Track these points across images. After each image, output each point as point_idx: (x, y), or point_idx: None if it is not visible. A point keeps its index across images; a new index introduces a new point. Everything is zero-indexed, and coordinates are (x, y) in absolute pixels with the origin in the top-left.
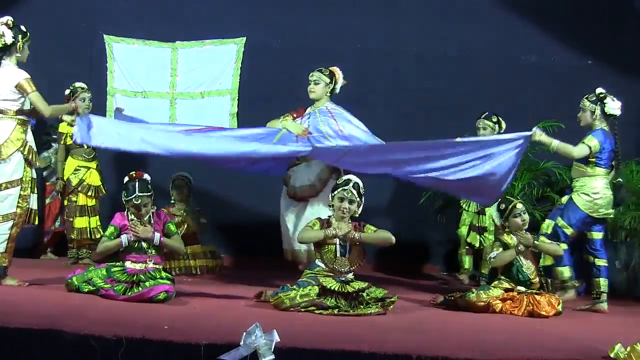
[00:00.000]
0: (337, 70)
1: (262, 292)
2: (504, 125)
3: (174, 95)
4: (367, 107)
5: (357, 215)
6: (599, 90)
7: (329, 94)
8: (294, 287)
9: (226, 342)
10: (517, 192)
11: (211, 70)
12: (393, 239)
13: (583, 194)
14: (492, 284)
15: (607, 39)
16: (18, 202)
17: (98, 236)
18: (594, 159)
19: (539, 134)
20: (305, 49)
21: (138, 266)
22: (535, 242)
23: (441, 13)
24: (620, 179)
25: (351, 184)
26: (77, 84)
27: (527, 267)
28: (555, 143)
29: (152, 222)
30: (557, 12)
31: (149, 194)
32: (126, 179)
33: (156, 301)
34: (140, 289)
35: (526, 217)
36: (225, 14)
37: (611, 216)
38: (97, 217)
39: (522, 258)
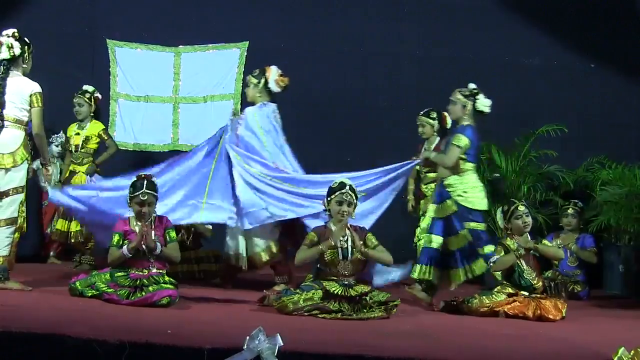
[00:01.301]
0: (269, 69)
1: (266, 296)
2: (449, 121)
3: (176, 99)
4: (369, 108)
5: (353, 217)
6: (472, 85)
7: (259, 95)
8: (297, 291)
9: (229, 347)
10: (520, 196)
11: (214, 74)
12: (392, 261)
13: (464, 193)
14: (495, 289)
15: (610, 43)
16: (20, 208)
17: (79, 240)
18: (464, 156)
19: (427, 152)
20: (308, 53)
21: (141, 271)
22: (536, 244)
23: (444, 16)
24: (497, 174)
25: (347, 187)
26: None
27: (528, 272)
28: (432, 155)
29: (154, 225)
30: (560, 16)
31: (155, 193)
32: (134, 178)
33: (159, 306)
34: (143, 293)
35: (528, 219)
36: (228, 19)
37: (485, 209)
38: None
39: (523, 263)
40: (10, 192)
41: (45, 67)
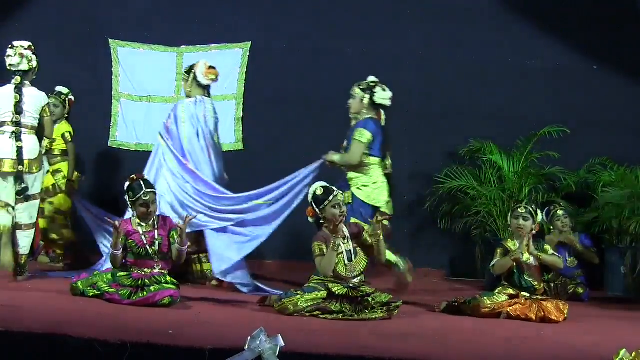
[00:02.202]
0: (197, 63)
1: (267, 297)
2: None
3: (179, 99)
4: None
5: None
6: (371, 78)
7: (190, 89)
8: (299, 292)
9: (231, 347)
10: (522, 197)
11: None
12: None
13: (363, 187)
14: (497, 290)
15: (613, 44)
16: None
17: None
18: (367, 150)
19: (330, 156)
20: (310, 53)
21: (143, 271)
22: (538, 254)
23: (446, 17)
24: (389, 170)
25: (336, 190)
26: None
27: (528, 274)
28: (337, 157)
29: (157, 226)
30: (562, 17)
31: (155, 190)
32: (127, 182)
33: (161, 306)
34: (145, 293)
35: (522, 222)
36: (230, 19)
37: (380, 205)
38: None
39: (524, 267)
40: (32, 198)
41: (48, 67)
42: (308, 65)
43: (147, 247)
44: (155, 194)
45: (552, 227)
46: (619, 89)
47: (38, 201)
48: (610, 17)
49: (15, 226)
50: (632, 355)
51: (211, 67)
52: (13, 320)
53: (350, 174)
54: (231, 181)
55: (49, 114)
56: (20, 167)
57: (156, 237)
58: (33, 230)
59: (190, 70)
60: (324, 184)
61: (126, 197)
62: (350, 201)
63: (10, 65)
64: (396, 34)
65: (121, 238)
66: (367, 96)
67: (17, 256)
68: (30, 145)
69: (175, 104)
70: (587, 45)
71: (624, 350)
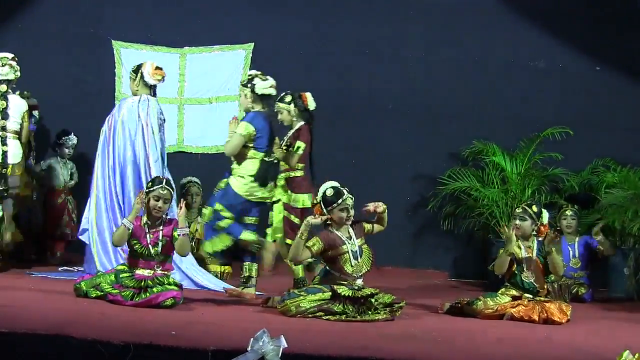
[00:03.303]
0: (145, 64)
1: (269, 298)
2: (310, 102)
3: (182, 100)
4: (375, 110)
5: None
6: (250, 71)
7: (137, 88)
8: (302, 293)
9: (234, 348)
10: (524, 198)
11: (219, 75)
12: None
13: (240, 177)
14: (500, 291)
15: (615, 45)
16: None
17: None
18: (251, 144)
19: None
20: (313, 54)
21: (146, 272)
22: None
23: (450, 19)
24: (275, 158)
25: (346, 193)
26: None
27: (527, 275)
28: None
29: (163, 225)
30: (565, 18)
31: (172, 192)
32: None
33: (164, 307)
34: (148, 294)
35: (518, 222)
36: (233, 20)
37: (268, 200)
38: None
39: (523, 267)
40: (10, 195)
41: (51, 68)
42: (311, 67)
43: (150, 247)
44: (171, 194)
45: (558, 226)
46: (622, 90)
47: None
48: (613, 19)
49: None
50: (636, 356)
51: (158, 68)
52: (16, 321)
53: (234, 164)
54: None
55: (27, 120)
56: (4, 170)
57: (160, 238)
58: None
59: (137, 69)
60: (335, 184)
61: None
62: (222, 186)
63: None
64: (399, 35)
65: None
66: (249, 89)
67: None
68: (14, 150)
69: (120, 102)
70: (591, 46)
71: (627, 351)
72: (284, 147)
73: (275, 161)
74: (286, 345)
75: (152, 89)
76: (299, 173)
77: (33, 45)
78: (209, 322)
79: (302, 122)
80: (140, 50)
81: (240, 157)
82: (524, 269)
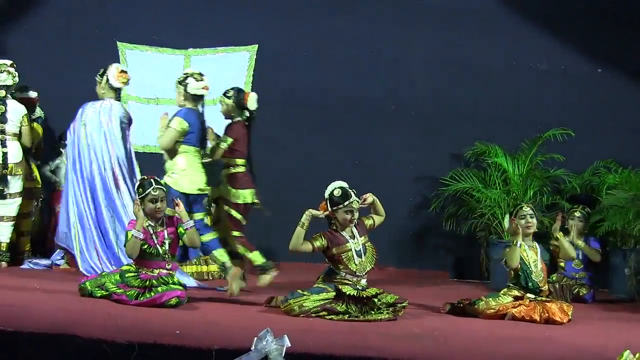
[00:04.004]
0: (110, 67)
1: (273, 297)
2: (250, 100)
3: None
4: (378, 111)
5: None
6: (185, 70)
7: (103, 91)
8: (306, 292)
9: (237, 347)
10: (526, 199)
11: (223, 77)
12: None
13: (172, 174)
14: (502, 292)
15: (617, 47)
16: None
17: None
18: (182, 139)
19: None
20: (316, 56)
21: (151, 272)
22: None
23: (453, 21)
24: (211, 159)
25: (353, 196)
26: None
27: (536, 274)
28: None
29: (165, 225)
30: (567, 21)
31: (164, 189)
32: (137, 183)
33: (168, 306)
34: (152, 294)
35: (533, 220)
36: (237, 22)
37: (207, 193)
38: None
39: (531, 265)
40: (17, 195)
41: (57, 70)
42: (314, 68)
43: (158, 247)
44: (164, 192)
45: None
46: (624, 91)
47: (20, 199)
48: (615, 21)
49: None
50: (636, 356)
51: (123, 71)
52: (22, 320)
53: (167, 163)
54: None
55: (27, 123)
56: (5, 170)
57: (166, 236)
58: (13, 223)
59: (103, 72)
60: (344, 185)
61: (136, 194)
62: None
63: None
64: (402, 38)
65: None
66: (182, 88)
67: None
68: (14, 151)
69: (82, 106)
70: (592, 48)
71: (628, 351)
72: (216, 140)
73: (210, 160)
74: (289, 345)
75: (117, 92)
76: (240, 169)
77: (39, 46)
78: (213, 321)
79: (238, 119)
80: (145, 52)
81: (172, 152)
82: (531, 266)
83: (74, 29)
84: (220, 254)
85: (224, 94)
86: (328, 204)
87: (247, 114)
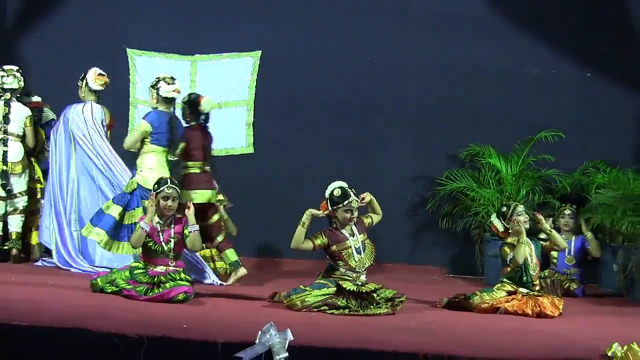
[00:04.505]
0: (90, 70)
1: (276, 292)
2: (203, 104)
3: None
4: (376, 114)
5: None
6: (158, 75)
7: (84, 95)
8: (308, 288)
9: (242, 341)
10: (519, 198)
11: (228, 82)
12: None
13: (140, 171)
14: (495, 287)
15: (605, 53)
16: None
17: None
18: (148, 138)
19: None
20: (317, 61)
21: (159, 268)
22: (550, 228)
23: (447, 27)
24: (173, 158)
25: (353, 196)
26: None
27: (533, 268)
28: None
29: (173, 224)
30: (558, 27)
31: (177, 189)
32: (156, 180)
33: (176, 301)
34: (160, 289)
35: (526, 216)
36: (241, 29)
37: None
38: None
39: (531, 259)
40: (23, 194)
41: (69, 75)
42: (315, 73)
43: (163, 244)
44: (177, 192)
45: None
46: (612, 95)
47: (26, 197)
48: (603, 28)
49: (7, 212)
50: (624, 348)
51: (101, 74)
52: (37, 315)
53: (137, 161)
54: (242, 182)
55: (30, 125)
56: (4, 167)
57: (172, 235)
58: (23, 215)
59: (84, 77)
60: (343, 185)
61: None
62: (135, 187)
63: (5, 84)
64: (399, 43)
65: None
66: (154, 91)
67: (8, 234)
68: (15, 151)
69: (65, 108)
70: (581, 54)
71: (616, 343)
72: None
73: (175, 160)
74: (292, 338)
75: (97, 94)
76: (194, 170)
77: (51, 52)
78: (219, 315)
79: (193, 123)
80: (153, 58)
81: (141, 151)
82: (531, 261)
83: (86, 37)
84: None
85: (182, 100)
86: (328, 203)
87: (203, 117)
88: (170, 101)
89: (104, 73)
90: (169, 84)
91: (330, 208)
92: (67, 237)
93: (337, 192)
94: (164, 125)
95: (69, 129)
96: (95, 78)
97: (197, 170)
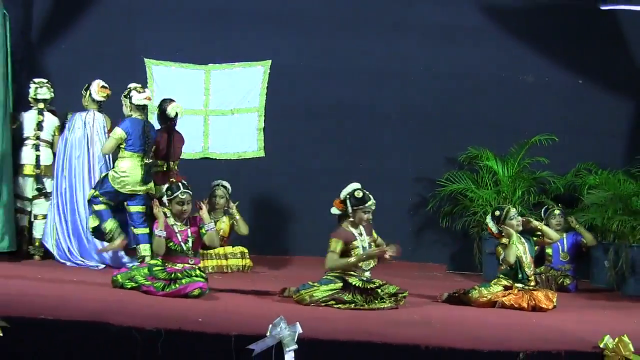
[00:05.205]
0: (93, 82)
1: (286, 288)
2: (170, 111)
3: (207, 112)
4: (381, 120)
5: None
6: (130, 85)
7: (87, 104)
8: (316, 284)
9: (254, 333)
10: (515, 199)
11: (240, 90)
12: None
13: (114, 172)
14: (492, 282)
15: (595, 61)
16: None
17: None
18: (123, 144)
19: None
20: (324, 70)
21: (177, 266)
22: (540, 224)
23: (447, 37)
24: (148, 160)
25: (372, 199)
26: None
27: (528, 266)
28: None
29: (189, 224)
30: (551, 37)
31: (190, 192)
32: (167, 184)
33: (191, 297)
34: (177, 285)
35: (520, 218)
36: (252, 40)
37: (140, 192)
38: None
39: (522, 258)
40: (48, 196)
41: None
42: (322, 81)
43: (182, 244)
44: (191, 195)
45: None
46: (602, 101)
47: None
48: (593, 38)
49: (33, 216)
50: (615, 340)
51: (104, 87)
52: (61, 309)
53: (116, 162)
54: (254, 183)
55: (57, 133)
56: (37, 170)
57: (189, 235)
58: (46, 221)
59: (87, 87)
60: (359, 186)
61: (165, 196)
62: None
63: (39, 95)
64: (402, 52)
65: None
66: (127, 100)
67: (32, 240)
68: (46, 155)
69: (70, 116)
70: (573, 62)
71: (608, 336)
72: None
73: (151, 162)
74: (301, 331)
75: (99, 104)
76: (160, 169)
77: (74, 63)
78: (232, 310)
79: (163, 126)
80: (169, 67)
81: (118, 155)
82: (526, 258)
83: (107, 48)
84: (144, 249)
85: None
86: (349, 202)
87: (171, 121)
88: (142, 108)
89: (106, 85)
90: (139, 92)
91: (350, 208)
92: (65, 233)
93: (358, 194)
94: (137, 131)
95: (73, 135)
96: (98, 90)
97: (163, 168)
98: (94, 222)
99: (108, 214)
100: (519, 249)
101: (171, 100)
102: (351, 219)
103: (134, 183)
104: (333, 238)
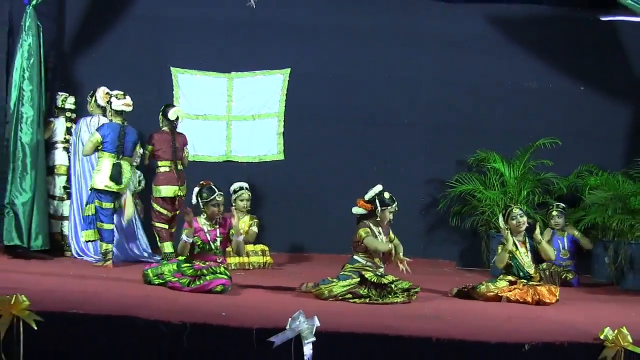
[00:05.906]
0: (99, 89)
1: (304, 283)
2: (171, 115)
3: (229, 118)
4: (393, 125)
5: None
6: (113, 92)
7: (92, 109)
8: (334, 280)
9: (274, 327)
10: (520, 199)
11: (261, 96)
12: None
13: (96, 172)
14: (498, 277)
15: (597, 68)
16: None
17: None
18: (101, 146)
19: None
20: (341, 77)
21: (204, 263)
22: (540, 242)
23: (455, 46)
24: (120, 162)
25: (396, 201)
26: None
27: (527, 264)
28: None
29: (219, 225)
30: (555, 46)
31: (222, 194)
32: (197, 188)
33: (215, 292)
34: (201, 281)
35: (523, 219)
36: (272, 49)
37: (114, 189)
38: None
39: (522, 258)
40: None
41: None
42: (338, 88)
43: (211, 243)
44: (223, 197)
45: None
46: (603, 107)
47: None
48: (595, 47)
49: (61, 217)
50: (615, 332)
51: (108, 94)
52: (91, 304)
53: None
54: (274, 185)
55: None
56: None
57: (218, 235)
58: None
59: (93, 94)
60: (382, 187)
61: (198, 199)
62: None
63: (67, 104)
64: (414, 61)
65: (193, 230)
66: (108, 106)
67: (62, 237)
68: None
69: (79, 120)
70: (576, 69)
71: (608, 328)
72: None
73: (121, 162)
74: (319, 324)
75: (103, 110)
76: (162, 169)
77: (104, 71)
78: (254, 305)
79: (164, 128)
80: (194, 75)
81: (97, 155)
82: (523, 259)
83: (134, 57)
84: (89, 235)
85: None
86: (378, 201)
87: (173, 124)
88: (121, 113)
89: (110, 92)
90: (119, 99)
91: (380, 207)
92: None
93: (387, 195)
94: (114, 134)
95: (79, 138)
96: (103, 97)
97: (167, 169)
98: (92, 237)
99: (110, 236)
100: (520, 251)
101: (172, 105)
102: (377, 218)
103: (106, 180)
104: (361, 228)
